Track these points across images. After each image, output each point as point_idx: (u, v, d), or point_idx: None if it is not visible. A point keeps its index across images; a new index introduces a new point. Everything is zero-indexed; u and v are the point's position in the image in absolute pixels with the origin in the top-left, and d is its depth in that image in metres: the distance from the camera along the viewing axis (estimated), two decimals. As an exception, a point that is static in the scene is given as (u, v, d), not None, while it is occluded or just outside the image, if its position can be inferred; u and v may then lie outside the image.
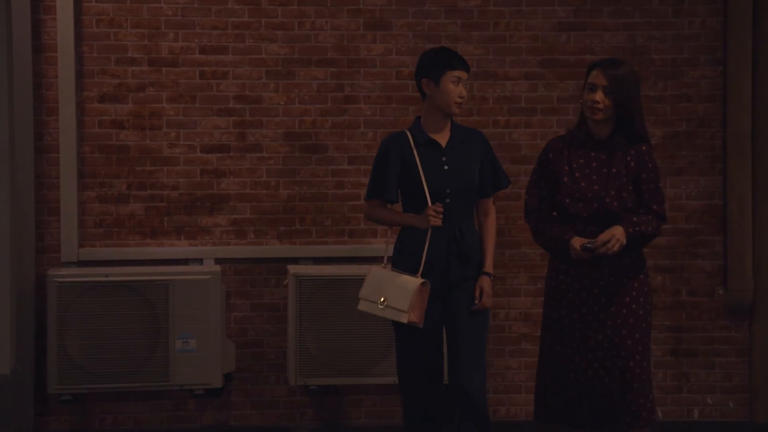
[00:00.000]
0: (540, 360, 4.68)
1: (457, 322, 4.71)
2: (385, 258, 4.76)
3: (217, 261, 6.08)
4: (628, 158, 4.54)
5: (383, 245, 6.13)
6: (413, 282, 4.57)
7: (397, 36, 6.20)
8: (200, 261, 6.07)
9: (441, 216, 4.62)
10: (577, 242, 4.47)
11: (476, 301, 4.72)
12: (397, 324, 4.69)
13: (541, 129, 6.28)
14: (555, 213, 4.63)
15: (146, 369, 5.72)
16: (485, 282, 4.76)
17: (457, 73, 4.68)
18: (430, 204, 4.64)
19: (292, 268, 5.90)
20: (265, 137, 6.16)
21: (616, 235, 4.40)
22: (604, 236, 4.41)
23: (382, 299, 4.60)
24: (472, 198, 4.80)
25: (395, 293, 4.57)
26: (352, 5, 6.18)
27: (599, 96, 4.48)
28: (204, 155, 6.13)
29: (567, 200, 4.54)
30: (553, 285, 4.64)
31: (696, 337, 6.33)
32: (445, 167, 4.70)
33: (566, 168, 4.59)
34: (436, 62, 4.71)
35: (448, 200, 4.68)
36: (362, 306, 4.69)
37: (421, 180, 4.66)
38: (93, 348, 5.69)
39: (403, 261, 4.71)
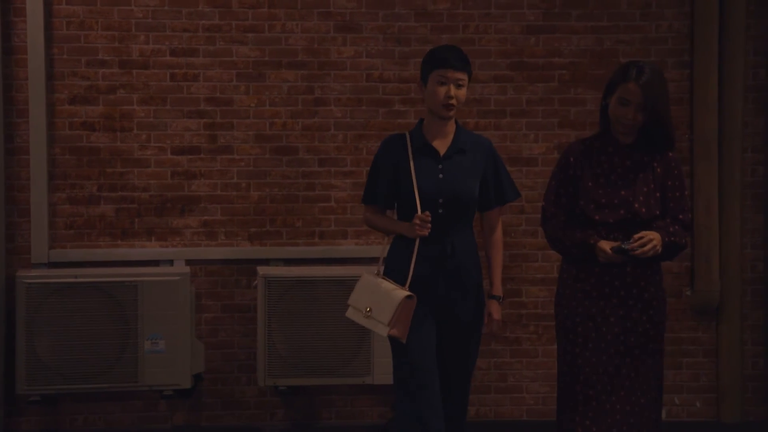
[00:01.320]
0: (559, 370, 4.43)
1: (443, 349, 4.44)
2: (380, 263, 4.51)
3: (188, 262, 6.11)
4: (655, 164, 4.35)
5: (354, 246, 6.20)
6: (398, 294, 4.30)
7: (367, 39, 6.24)
8: (171, 262, 6.09)
9: (428, 226, 4.33)
10: (605, 245, 4.23)
11: (484, 329, 4.48)
12: (392, 339, 4.41)
13: (510, 131, 6.33)
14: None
15: (115, 370, 5.74)
16: (494, 307, 4.50)
17: (442, 71, 4.36)
18: (419, 212, 4.36)
19: (262, 270, 5.93)
20: (235, 139, 6.19)
21: (654, 240, 4.19)
22: (642, 238, 4.19)
23: (367, 308, 4.35)
24: (469, 211, 4.47)
25: (380, 304, 4.32)
26: (323, 8, 6.21)
27: (632, 113, 4.27)
28: (175, 157, 6.15)
29: (592, 206, 4.32)
30: (567, 293, 4.41)
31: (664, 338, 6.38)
32: (440, 175, 4.41)
33: (590, 173, 4.36)
34: (425, 61, 4.45)
35: (440, 210, 4.39)
36: (349, 313, 4.43)
37: (412, 186, 4.40)
38: (62, 349, 5.70)
39: (392, 270, 4.45)
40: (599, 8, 6.34)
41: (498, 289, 4.53)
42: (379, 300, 4.33)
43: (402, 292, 4.31)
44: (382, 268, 4.46)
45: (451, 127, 4.49)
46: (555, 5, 6.32)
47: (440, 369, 4.42)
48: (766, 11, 6.31)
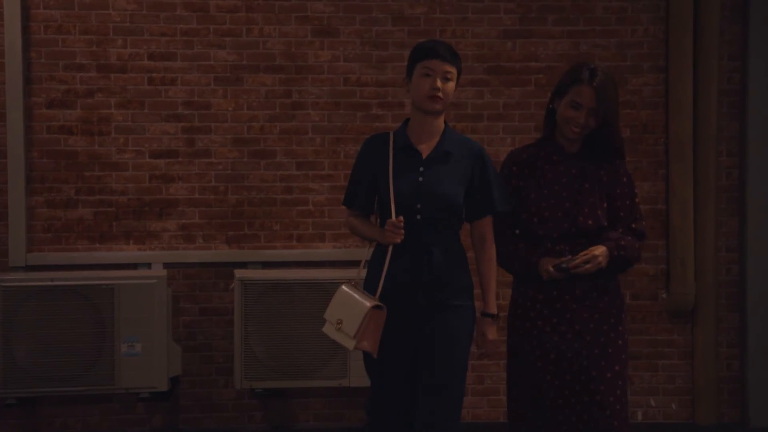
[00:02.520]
0: (509, 396, 4.32)
1: (421, 364, 4.15)
2: (360, 267, 4.28)
3: (166, 265, 6.12)
4: (602, 172, 4.16)
5: (331, 250, 6.22)
6: (364, 305, 4.04)
7: (344, 43, 6.27)
8: (148, 265, 6.11)
9: (401, 232, 4.06)
10: (547, 263, 4.08)
11: (478, 350, 4.26)
12: (365, 355, 4.22)
13: (487, 135, 6.36)
14: (518, 231, 4.25)
15: (92, 373, 5.75)
16: (487, 327, 4.26)
17: (427, 62, 4.09)
18: (394, 217, 4.09)
19: (239, 273, 5.96)
20: (213, 143, 6.21)
21: (599, 256, 4.04)
22: (583, 257, 4.04)
23: (338, 321, 4.11)
24: (452, 219, 4.17)
25: (349, 316, 4.07)
26: (300, 12, 6.24)
27: (584, 117, 4.09)
28: (152, 160, 6.17)
29: (535, 219, 4.13)
30: (519, 312, 4.23)
31: (640, 340, 6.42)
32: (420, 179, 4.13)
33: (533, 183, 4.17)
34: (411, 55, 4.20)
35: (418, 216, 4.11)
36: (325, 328, 4.18)
37: (389, 190, 4.13)
38: (39, 352, 5.71)
39: (369, 279, 4.21)
40: (575, 13, 6.38)
41: (491, 307, 4.26)
42: (349, 312, 4.07)
43: (369, 303, 4.05)
44: (364, 272, 4.26)
45: (439, 128, 4.20)
46: (531, 10, 6.36)
47: (420, 380, 4.15)
48: (740, 16, 6.36)
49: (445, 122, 4.23)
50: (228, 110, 6.22)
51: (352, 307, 4.06)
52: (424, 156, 4.16)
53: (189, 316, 6.20)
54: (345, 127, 6.26)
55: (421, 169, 4.14)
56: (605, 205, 4.15)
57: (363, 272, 4.28)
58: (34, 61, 6.08)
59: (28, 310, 5.72)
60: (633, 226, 4.19)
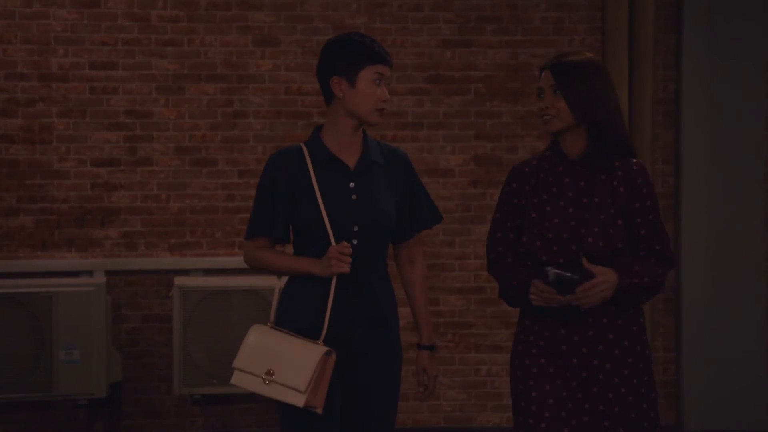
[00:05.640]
0: None
1: (359, 406, 3.57)
2: (272, 314, 3.55)
3: (108, 273, 6.16)
4: (615, 182, 3.46)
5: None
6: (314, 350, 3.38)
7: (285, 52, 6.34)
8: (90, 273, 6.15)
9: (349, 259, 3.43)
10: (534, 286, 3.39)
11: (420, 387, 3.68)
12: (285, 406, 3.45)
13: (427, 143, 6.45)
14: (510, 260, 3.57)
15: (30, 379, 5.79)
16: (426, 361, 3.66)
17: (379, 68, 3.51)
18: (333, 243, 3.46)
19: (178, 280, 6.01)
20: (155, 151, 6.26)
21: (602, 284, 3.33)
22: (585, 285, 3.33)
23: (267, 371, 3.40)
24: (387, 240, 3.61)
25: (287, 365, 3.37)
26: (241, 22, 6.31)
27: (548, 99, 3.47)
28: (94, 169, 6.22)
29: (538, 243, 3.44)
30: (521, 350, 3.52)
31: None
32: (353, 196, 3.53)
33: (534, 200, 3.49)
34: (352, 54, 3.51)
35: (355, 241, 3.49)
36: (237, 379, 3.46)
37: (320, 212, 3.48)
38: (-24, 359, 5.77)
39: (293, 320, 3.50)
40: (513, 23, 6.48)
41: (428, 338, 3.68)
42: (286, 360, 3.38)
43: (319, 348, 3.40)
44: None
45: (359, 136, 3.60)
46: (470, 20, 6.45)
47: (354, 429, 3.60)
48: (673, 25, 6.47)
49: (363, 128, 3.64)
50: (170, 119, 6.27)
51: (292, 352, 3.39)
52: (352, 167, 3.56)
53: (131, 323, 6.25)
54: (286, 136, 6.32)
55: (352, 185, 3.54)
56: (620, 222, 3.43)
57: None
58: (-25, 70, 6.13)
59: (-33, 318, 5.77)
60: (656, 248, 3.46)
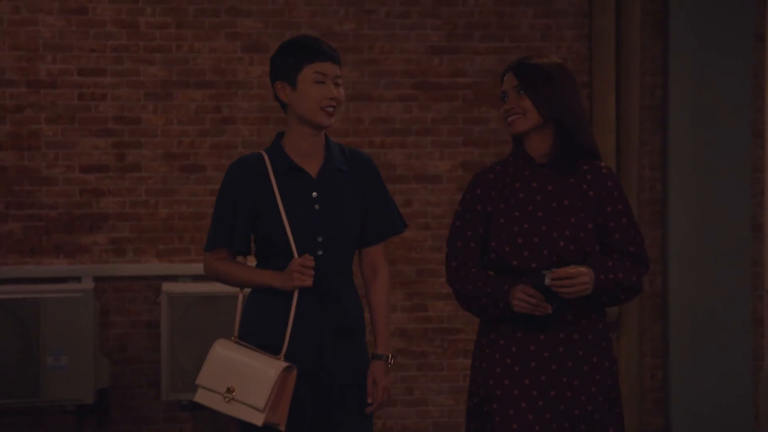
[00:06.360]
0: None
1: (331, 419, 3.45)
2: (236, 328, 3.48)
3: (96, 279, 6.17)
4: (585, 186, 3.42)
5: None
6: (273, 366, 3.28)
7: (274, 59, 6.35)
8: (78, 279, 6.16)
9: (312, 272, 3.35)
10: (520, 290, 3.30)
11: (369, 400, 3.48)
12: (245, 424, 3.36)
13: (415, 149, 6.47)
14: (475, 270, 3.49)
15: (17, 385, 5.79)
16: (378, 371, 3.49)
17: (318, 66, 3.40)
18: (296, 255, 3.38)
19: (165, 286, 6.02)
20: (143, 157, 6.27)
21: (584, 275, 3.27)
22: (567, 269, 3.26)
23: (227, 388, 3.31)
24: (353, 250, 3.54)
25: (246, 382, 3.27)
26: (230, 28, 6.32)
27: (513, 100, 3.44)
28: (83, 175, 6.22)
29: (507, 248, 3.37)
30: (484, 367, 3.48)
31: (566, 351, 6.53)
32: (316, 206, 3.44)
33: (502, 205, 3.42)
34: (291, 55, 3.44)
35: (319, 252, 3.42)
36: (200, 397, 3.38)
37: (282, 223, 3.39)
38: (-36, 365, 5.77)
39: (255, 334, 3.42)
40: (501, 30, 6.50)
41: (384, 347, 3.53)
42: (246, 376, 3.28)
43: (278, 363, 3.30)
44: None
45: (321, 142, 3.49)
46: (458, 27, 6.48)
47: None
48: (660, 32, 6.50)
49: (324, 133, 3.54)
50: (158, 125, 6.28)
51: (251, 369, 3.29)
52: (314, 176, 3.47)
53: (119, 329, 6.25)
54: (274, 142, 6.34)
55: (315, 194, 3.45)
56: (590, 225, 3.38)
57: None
58: (-37, 76, 6.14)
59: (-45, 324, 5.77)
60: (630, 250, 3.41)
